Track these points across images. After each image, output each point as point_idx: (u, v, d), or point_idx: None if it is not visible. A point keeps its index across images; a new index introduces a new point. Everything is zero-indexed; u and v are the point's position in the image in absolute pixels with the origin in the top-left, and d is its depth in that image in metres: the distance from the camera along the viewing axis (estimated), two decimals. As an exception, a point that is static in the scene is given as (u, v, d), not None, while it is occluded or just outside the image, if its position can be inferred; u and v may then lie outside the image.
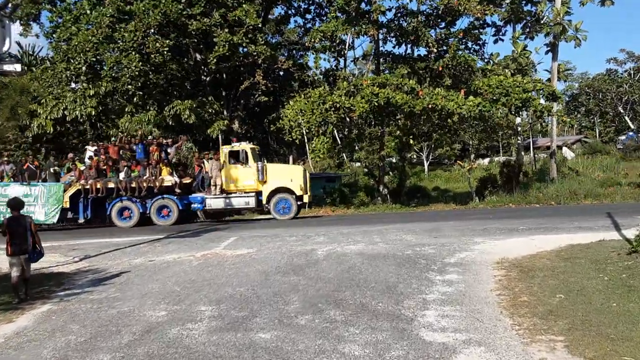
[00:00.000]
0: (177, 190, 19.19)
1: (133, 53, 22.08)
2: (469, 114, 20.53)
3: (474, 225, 14.80)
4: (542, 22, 27.14)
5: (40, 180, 19.45)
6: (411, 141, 24.50)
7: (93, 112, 22.76)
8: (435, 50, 22.96)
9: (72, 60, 22.69)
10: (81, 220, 19.84)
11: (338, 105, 22.04)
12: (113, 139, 21.44)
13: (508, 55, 27.37)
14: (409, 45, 26.28)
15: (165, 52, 22.17)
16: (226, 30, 23.31)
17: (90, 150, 20.35)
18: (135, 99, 23.69)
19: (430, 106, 20.37)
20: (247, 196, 19.45)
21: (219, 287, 7.79)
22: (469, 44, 25.64)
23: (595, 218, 15.45)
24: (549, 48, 28.78)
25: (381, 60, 26.20)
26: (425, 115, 22.37)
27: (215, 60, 23.28)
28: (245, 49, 24.06)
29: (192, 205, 19.76)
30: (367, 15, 23.70)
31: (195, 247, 12.64)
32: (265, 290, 7.42)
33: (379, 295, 6.92)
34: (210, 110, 24.85)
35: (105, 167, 19.42)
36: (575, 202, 23.02)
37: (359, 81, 22.53)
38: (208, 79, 26.27)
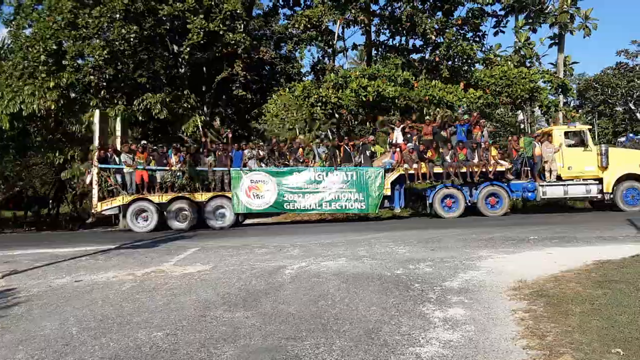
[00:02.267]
0: (510, 177, 17.23)
1: (97, 41, 19.88)
2: (471, 106, 18.43)
3: (477, 234, 12.71)
4: (546, 11, 25.06)
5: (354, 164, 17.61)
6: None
7: (53, 106, 20.48)
8: (433, 38, 20.78)
9: (30, 49, 20.46)
10: (397, 210, 18.08)
11: (325, 100, 19.94)
12: (427, 117, 19.27)
13: (510, 47, 25.40)
14: (403, 37, 24.22)
15: (131, 40, 19.95)
16: (201, 16, 21.12)
17: (397, 130, 18.30)
18: (102, 92, 21.54)
19: (427, 98, 18.24)
20: (588, 184, 17.18)
21: (132, 328, 5.62)
22: (468, 35, 23.53)
23: (615, 225, 13.39)
24: (553, 40, 26.75)
25: (373, 51, 24.06)
26: (419, 111, 20.27)
27: (188, 49, 21.07)
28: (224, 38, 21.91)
29: (514, 194, 17.65)
30: (356, 2, 21.57)
31: (144, 261, 10.49)
32: (192, 336, 5.25)
33: (352, 349, 4.76)
34: (185, 105, 22.66)
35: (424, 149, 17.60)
36: (585, 206, 20.93)
37: (347, 73, 20.39)
38: (183, 70, 24.01)
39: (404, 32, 22.49)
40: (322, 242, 12.11)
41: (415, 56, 23.71)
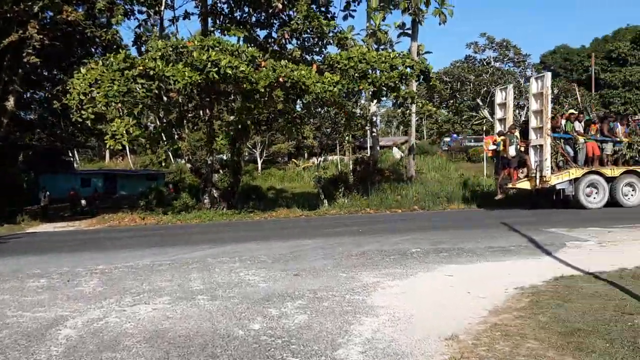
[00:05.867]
0: None
1: None
2: (325, 94, 15.64)
3: (345, 245, 10.06)
4: (399, -5, 23.39)
5: None
6: (249, 126, 18.82)
7: None
8: (280, 7, 17.66)
9: None
10: None
11: (153, 74, 15.78)
12: None
13: (362, 31, 23.36)
14: (244, 13, 20.91)
15: None
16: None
17: None
18: None
19: (281, 80, 15.07)
20: None
21: None
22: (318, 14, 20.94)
23: (498, 232, 11.59)
24: (402, 30, 25.35)
25: (210, 22, 20.35)
26: (267, 96, 17.15)
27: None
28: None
29: None
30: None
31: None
32: None
33: None
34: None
35: None
36: (441, 207, 19.54)
37: (180, 42, 16.52)
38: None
39: (247, 2, 19.14)
40: (136, 265, 8.47)
41: (260, 32, 20.59)
